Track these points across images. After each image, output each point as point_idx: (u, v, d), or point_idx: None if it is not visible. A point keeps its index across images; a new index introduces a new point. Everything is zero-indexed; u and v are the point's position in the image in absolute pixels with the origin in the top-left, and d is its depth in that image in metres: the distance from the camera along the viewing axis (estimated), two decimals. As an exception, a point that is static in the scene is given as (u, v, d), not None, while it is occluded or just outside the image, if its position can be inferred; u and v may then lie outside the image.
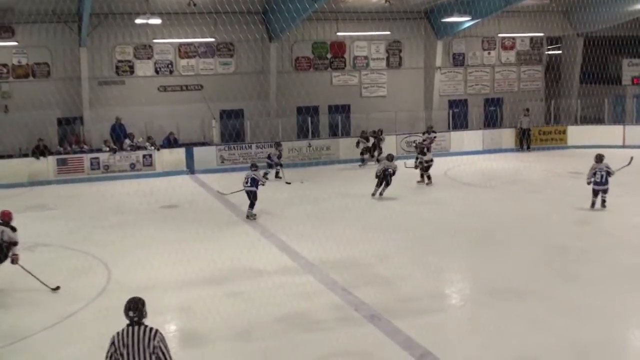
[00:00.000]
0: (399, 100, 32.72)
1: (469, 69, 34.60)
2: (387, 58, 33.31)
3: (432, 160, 24.00)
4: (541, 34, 34.98)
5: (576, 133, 32.14)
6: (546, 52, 36.43)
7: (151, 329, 7.51)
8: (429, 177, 23.91)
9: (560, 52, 37.13)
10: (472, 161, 27.38)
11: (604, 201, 19.50)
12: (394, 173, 21.94)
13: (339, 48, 32.54)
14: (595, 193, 19.54)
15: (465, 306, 12.81)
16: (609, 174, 19.35)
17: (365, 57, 33.01)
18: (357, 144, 28.19)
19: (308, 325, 11.51)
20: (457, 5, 28.97)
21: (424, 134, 27.98)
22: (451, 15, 28.82)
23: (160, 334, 7.52)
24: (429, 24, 32.78)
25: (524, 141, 31.59)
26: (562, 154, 30.48)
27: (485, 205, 20.95)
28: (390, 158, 22.23)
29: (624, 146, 30.76)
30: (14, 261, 13.37)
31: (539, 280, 13.66)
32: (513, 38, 35.00)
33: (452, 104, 34.03)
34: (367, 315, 11.78)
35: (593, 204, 19.56)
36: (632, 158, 20.45)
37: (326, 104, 32.15)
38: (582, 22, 33.72)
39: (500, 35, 34.30)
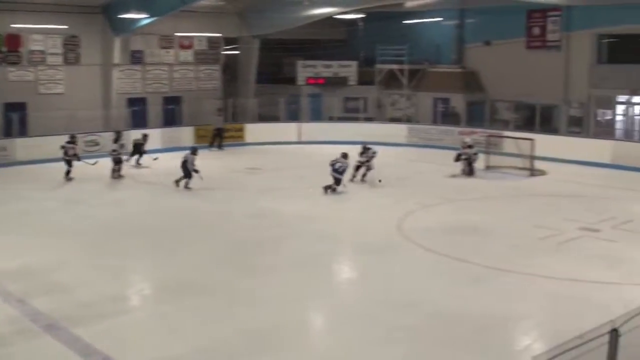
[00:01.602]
0: (78, 98, 31.55)
1: (147, 66, 34.31)
2: (65, 53, 32.10)
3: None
4: (218, 35, 35.78)
5: (254, 130, 33.36)
6: (223, 52, 37.27)
7: None
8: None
9: (237, 52, 38.18)
10: (152, 160, 27.27)
11: (335, 186, 21.97)
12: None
13: (14, 41, 30.73)
14: (336, 180, 21.85)
15: (146, 306, 12.90)
16: (344, 170, 21.80)
17: (42, 52, 31.53)
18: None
19: (-20, 343, 10.86)
20: (134, 2, 28.67)
21: (116, 141, 26.57)
22: (129, 11, 28.51)
23: None
24: (107, 20, 32.11)
25: (217, 140, 31.95)
26: (241, 150, 31.49)
27: (165, 203, 21.17)
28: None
29: (299, 142, 32.55)
30: None
31: (218, 274, 14.17)
32: (191, 37, 35.39)
33: (131, 102, 33.63)
34: (44, 325, 11.35)
35: (331, 188, 21.97)
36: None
37: (1, 101, 30.25)
38: (258, 25, 35.08)
39: (178, 34, 34.55)
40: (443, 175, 25.06)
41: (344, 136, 31.96)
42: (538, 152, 26.01)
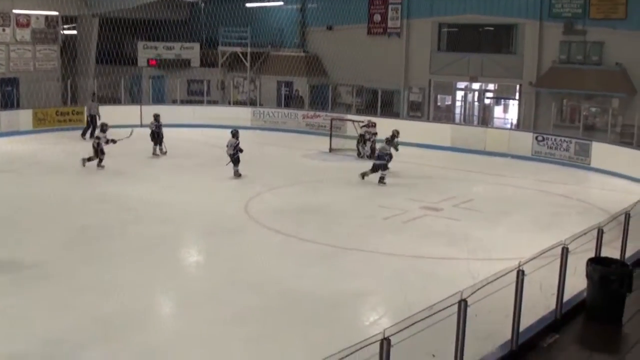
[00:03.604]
0: None
1: (-18, 46, 32.59)
2: None
3: None
4: (56, 13, 34.36)
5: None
6: (62, 32, 35.88)
7: None
8: None
9: (76, 31, 36.89)
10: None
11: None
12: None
13: None
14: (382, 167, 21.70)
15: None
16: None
17: None
18: None
19: None
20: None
21: None
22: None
23: None
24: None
25: (91, 129, 29.64)
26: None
27: (4, 189, 20.11)
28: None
29: (141, 125, 31.77)
30: None
31: (61, 262, 13.69)
32: (28, 15, 33.77)
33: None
34: None
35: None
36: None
37: None
38: (97, 3, 34.04)
39: (15, 11, 32.91)
40: (288, 158, 25.26)
41: (187, 119, 31.64)
42: (380, 135, 26.62)
